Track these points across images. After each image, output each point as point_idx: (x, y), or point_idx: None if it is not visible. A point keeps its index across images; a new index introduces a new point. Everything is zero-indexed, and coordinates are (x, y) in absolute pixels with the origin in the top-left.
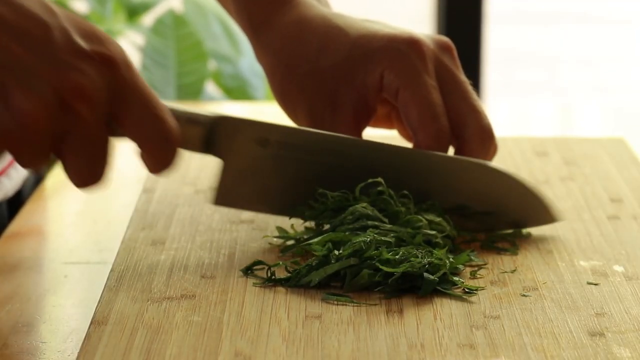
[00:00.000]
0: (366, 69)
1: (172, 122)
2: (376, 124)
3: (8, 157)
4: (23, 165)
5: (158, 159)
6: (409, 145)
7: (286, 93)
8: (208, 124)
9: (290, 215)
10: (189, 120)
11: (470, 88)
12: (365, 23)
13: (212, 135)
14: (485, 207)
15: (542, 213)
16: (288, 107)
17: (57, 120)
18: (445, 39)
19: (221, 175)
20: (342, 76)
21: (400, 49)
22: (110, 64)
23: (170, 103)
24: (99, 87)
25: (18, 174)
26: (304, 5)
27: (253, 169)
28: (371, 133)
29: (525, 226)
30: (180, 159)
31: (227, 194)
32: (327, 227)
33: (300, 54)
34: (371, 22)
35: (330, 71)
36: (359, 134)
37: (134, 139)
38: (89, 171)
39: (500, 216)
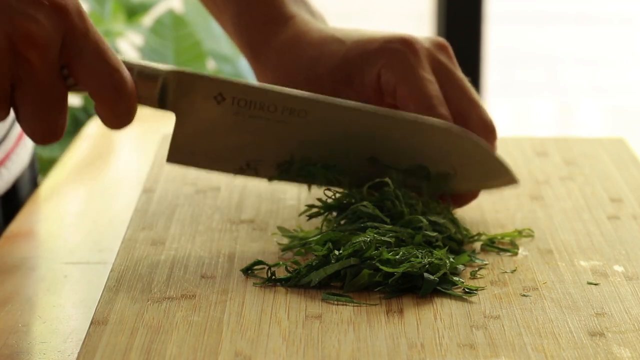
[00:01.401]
0: (363, 70)
1: (125, 73)
2: None
3: (0, 156)
4: None
5: (113, 111)
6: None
7: None
8: (162, 77)
9: (243, 175)
10: (142, 73)
11: (469, 84)
12: (360, 31)
13: (166, 89)
14: (443, 168)
15: (501, 175)
16: None
17: (8, 67)
18: (440, 38)
19: (175, 131)
20: (339, 80)
21: (395, 48)
22: (63, 12)
23: (124, 56)
24: (51, 34)
25: (9, 173)
26: (300, 22)
27: (209, 126)
28: None
29: (483, 188)
30: (136, 114)
31: (182, 151)
32: (326, 228)
33: (297, 64)
34: (365, 31)
35: (328, 76)
36: None
37: (88, 89)
38: (43, 122)
39: (457, 177)
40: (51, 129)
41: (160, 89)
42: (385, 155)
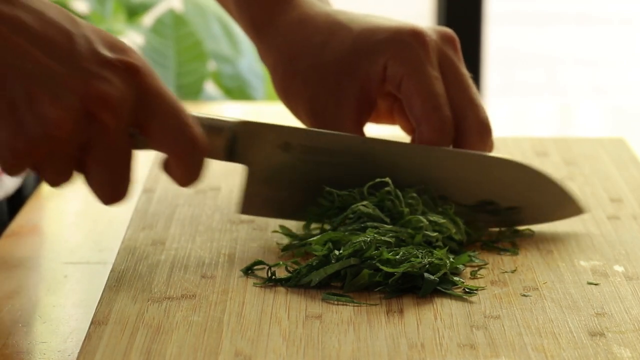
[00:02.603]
0: (369, 60)
1: (198, 129)
2: (378, 119)
3: None
4: (48, 180)
5: (186, 168)
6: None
7: (288, 88)
8: (231, 130)
9: (316, 222)
10: (211, 127)
11: (470, 81)
12: (367, 18)
13: (235, 141)
14: (510, 202)
15: (568, 206)
16: (290, 102)
17: (82, 130)
18: (448, 30)
19: (246, 182)
20: (345, 69)
21: (404, 40)
22: (134, 72)
23: (192, 110)
24: (124, 95)
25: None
26: (306, 4)
27: (277, 174)
28: (373, 130)
29: (551, 220)
30: (207, 168)
31: (253, 202)
32: (327, 227)
33: (303, 49)
34: (374, 17)
35: (333, 64)
36: (361, 128)
37: (161, 148)
38: (112, 184)
39: (525, 210)
40: (118, 190)
41: (229, 142)
42: (452, 193)
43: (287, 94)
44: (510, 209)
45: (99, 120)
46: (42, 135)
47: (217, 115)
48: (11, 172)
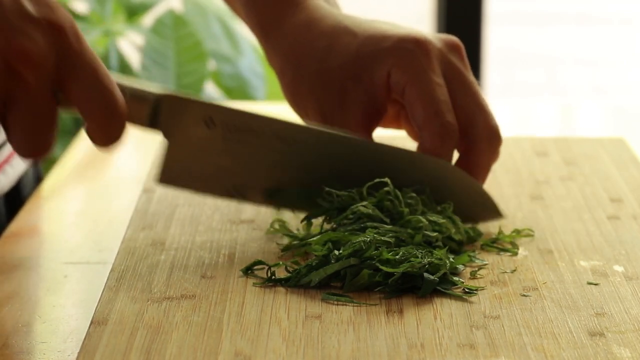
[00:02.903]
0: (373, 67)
1: (119, 95)
2: (385, 124)
3: (3, 155)
4: None
5: (104, 132)
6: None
7: (296, 93)
8: (154, 100)
9: (235, 199)
10: (135, 95)
11: (478, 88)
12: (373, 23)
13: (158, 112)
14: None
15: (488, 209)
16: (299, 107)
17: (2, 83)
18: (454, 38)
19: (166, 153)
20: (350, 75)
21: (407, 48)
22: (59, 30)
23: (117, 76)
24: (46, 52)
25: (14, 171)
26: (313, 7)
27: (198, 149)
28: (380, 133)
29: (469, 221)
30: (127, 134)
31: (171, 173)
32: (327, 226)
33: (309, 54)
34: (380, 23)
35: (338, 70)
36: (370, 133)
37: (80, 109)
38: (33, 139)
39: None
40: (40, 146)
41: (151, 111)
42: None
43: (295, 99)
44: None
45: (19, 76)
46: None
47: (144, 84)
48: None
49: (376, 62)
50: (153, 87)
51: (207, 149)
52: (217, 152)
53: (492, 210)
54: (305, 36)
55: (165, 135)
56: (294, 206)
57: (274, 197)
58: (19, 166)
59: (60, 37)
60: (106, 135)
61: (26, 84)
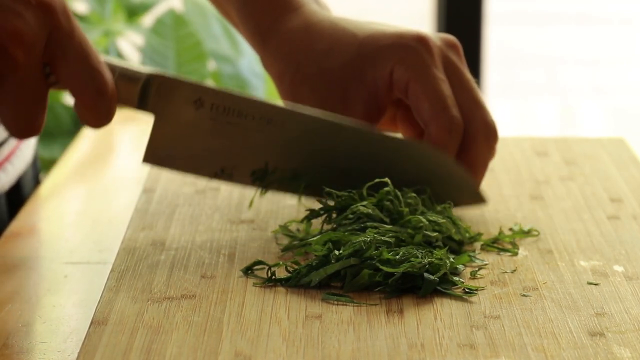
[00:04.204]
0: (375, 66)
1: (108, 75)
2: (381, 125)
3: (3, 153)
4: None
5: (93, 111)
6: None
7: (297, 95)
8: (142, 80)
9: (217, 180)
10: (123, 75)
11: (475, 85)
12: (371, 24)
13: (146, 91)
14: (414, 183)
15: (472, 195)
16: None
17: None
18: (451, 37)
19: (153, 131)
20: (351, 75)
21: (409, 45)
22: (49, 10)
23: (106, 57)
24: (36, 31)
25: (14, 169)
26: (309, 12)
27: (186, 129)
28: None
29: (455, 205)
30: (115, 114)
31: (158, 153)
32: (327, 227)
33: (308, 57)
34: (377, 24)
35: (339, 71)
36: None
37: (69, 89)
38: (23, 118)
39: (430, 192)
40: (30, 125)
41: (141, 91)
42: (360, 168)
43: (296, 99)
44: (417, 191)
45: (10, 55)
46: None
47: (133, 64)
48: None
49: (378, 60)
50: (142, 67)
51: (195, 130)
52: (204, 133)
53: (473, 195)
54: (304, 40)
55: (154, 114)
56: (280, 188)
57: (260, 178)
58: (19, 164)
59: (51, 16)
60: (96, 115)
61: (16, 62)
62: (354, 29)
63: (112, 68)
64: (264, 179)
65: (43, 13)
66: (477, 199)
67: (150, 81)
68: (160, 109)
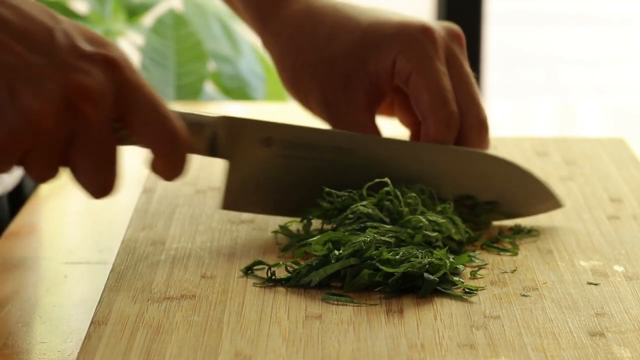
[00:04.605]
0: (378, 54)
1: (179, 123)
2: (378, 112)
3: None
4: (33, 175)
5: (168, 162)
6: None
7: (297, 80)
8: (212, 125)
9: (300, 217)
10: (193, 122)
11: (473, 80)
12: (375, 11)
13: (217, 137)
14: (488, 196)
15: (546, 200)
16: (300, 93)
17: (64, 122)
18: (455, 27)
19: (228, 177)
20: (354, 62)
21: (413, 35)
22: (114, 65)
23: (172, 106)
24: (104, 87)
25: (17, 170)
26: None
27: (259, 169)
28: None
29: (531, 214)
30: (190, 163)
31: (235, 197)
32: (327, 226)
33: (310, 42)
34: (381, 11)
35: (341, 58)
36: (373, 118)
37: (143, 141)
38: (98, 177)
39: (504, 205)
40: (107, 183)
41: (211, 137)
42: (434, 187)
43: (296, 85)
44: (489, 203)
45: (80, 112)
46: (24, 127)
47: (199, 111)
48: None
49: (381, 49)
50: (209, 113)
51: (267, 169)
52: (277, 171)
53: (550, 200)
54: (306, 25)
55: (227, 159)
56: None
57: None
58: None
59: (117, 71)
60: (172, 166)
61: (87, 120)
62: (357, 16)
63: (181, 117)
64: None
65: (109, 68)
66: (553, 202)
67: (218, 126)
68: (232, 153)
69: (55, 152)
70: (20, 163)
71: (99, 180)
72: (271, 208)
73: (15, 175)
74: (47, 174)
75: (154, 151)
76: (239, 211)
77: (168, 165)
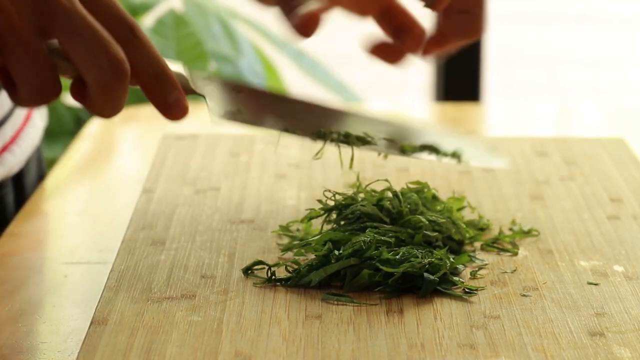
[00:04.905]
0: None
1: (121, 54)
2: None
3: (7, 135)
4: None
5: (106, 92)
6: None
7: None
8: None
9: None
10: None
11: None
12: None
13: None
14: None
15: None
16: None
17: None
18: None
19: (208, 102)
20: None
21: None
22: None
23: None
24: None
25: (22, 151)
26: None
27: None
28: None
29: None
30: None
31: (219, 114)
32: (327, 226)
33: None
34: None
35: None
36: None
37: (79, 66)
38: (34, 84)
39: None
40: (44, 89)
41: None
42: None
43: None
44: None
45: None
46: None
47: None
48: None
49: None
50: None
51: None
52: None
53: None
54: None
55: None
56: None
57: (322, 137)
58: (26, 146)
59: None
60: (110, 97)
61: (11, 19)
62: None
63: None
64: (324, 138)
65: None
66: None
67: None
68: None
69: None
70: None
71: (35, 87)
72: (259, 123)
73: (19, 157)
74: None
75: (90, 79)
76: (229, 120)
77: (105, 94)
